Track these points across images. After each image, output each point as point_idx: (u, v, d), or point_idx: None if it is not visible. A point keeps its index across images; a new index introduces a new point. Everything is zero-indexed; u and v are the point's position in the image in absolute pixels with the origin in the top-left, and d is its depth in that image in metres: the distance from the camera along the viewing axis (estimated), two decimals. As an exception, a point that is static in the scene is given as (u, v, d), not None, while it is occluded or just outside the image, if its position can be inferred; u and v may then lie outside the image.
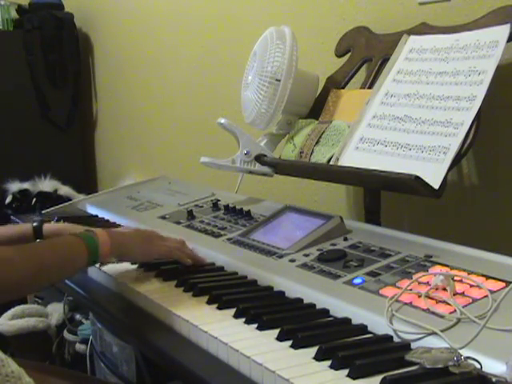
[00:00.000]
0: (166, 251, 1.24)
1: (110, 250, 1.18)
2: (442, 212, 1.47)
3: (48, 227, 1.39)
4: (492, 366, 0.73)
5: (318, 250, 1.15)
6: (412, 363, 0.76)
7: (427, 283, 0.93)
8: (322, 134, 1.46)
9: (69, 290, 1.36)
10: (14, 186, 2.84)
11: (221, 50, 2.27)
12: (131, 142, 3.01)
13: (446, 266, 0.98)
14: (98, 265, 1.21)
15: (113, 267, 1.25)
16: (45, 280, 1.15)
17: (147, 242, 1.25)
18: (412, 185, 1.15)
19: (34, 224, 1.37)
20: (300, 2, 1.87)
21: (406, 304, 0.90)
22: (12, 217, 1.87)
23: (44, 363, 1.28)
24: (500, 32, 1.23)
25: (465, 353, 0.76)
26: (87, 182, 3.34)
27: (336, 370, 0.78)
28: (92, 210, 1.87)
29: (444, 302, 0.88)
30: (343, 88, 1.53)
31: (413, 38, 1.41)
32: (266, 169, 1.53)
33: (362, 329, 0.90)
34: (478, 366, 0.74)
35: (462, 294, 0.89)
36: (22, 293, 1.23)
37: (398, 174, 1.17)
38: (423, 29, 1.41)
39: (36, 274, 1.09)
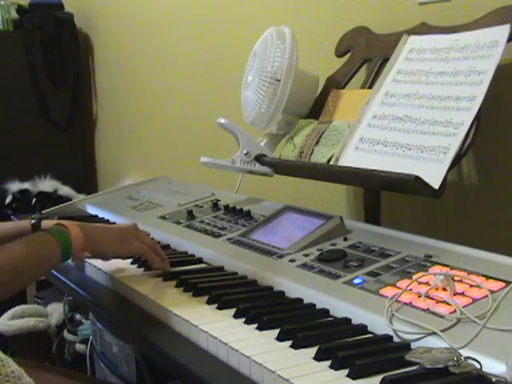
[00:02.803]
0: (140, 250, 1.21)
1: (84, 245, 1.14)
2: (442, 212, 1.47)
3: (47, 224, 1.32)
4: (492, 366, 0.73)
5: (318, 250, 1.15)
6: (412, 363, 0.76)
7: (427, 283, 0.93)
8: (322, 134, 1.46)
9: (69, 290, 1.36)
10: (14, 186, 2.84)
11: (221, 49, 2.27)
12: (131, 142, 3.01)
13: (446, 265, 0.98)
14: (70, 261, 1.17)
15: (112, 265, 1.25)
16: (20, 283, 1.12)
17: (122, 238, 1.21)
18: (412, 185, 1.15)
19: (33, 221, 1.33)
20: (300, 2, 1.87)
21: (405, 304, 0.90)
22: (12, 217, 1.87)
23: (44, 363, 1.27)
24: (500, 32, 1.23)
25: (465, 353, 0.76)
26: (87, 182, 3.34)
27: (336, 370, 0.78)
28: (92, 210, 1.87)
29: (444, 302, 0.88)
30: (343, 88, 1.53)
31: (413, 38, 1.41)
32: (266, 169, 1.53)
33: (362, 329, 0.90)
34: (478, 366, 0.74)
35: (462, 294, 0.89)
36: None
37: (398, 174, 1.17)
38: (423, 29, 1.41)
39: (12, 279, 1.06)
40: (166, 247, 1.40)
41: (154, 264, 1.21)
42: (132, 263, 1.28)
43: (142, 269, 1.25)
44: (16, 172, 2.87)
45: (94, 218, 1.78)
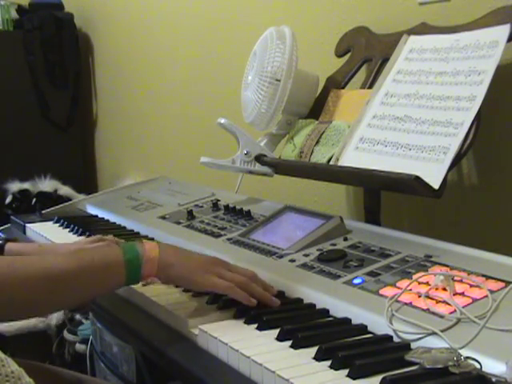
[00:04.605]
0: (225, 287, 0.99)
1: (156, 271, 0.97)
2: (442, 212, 1.47)
3: (10, 247, 1.27)
4: (492, 366, 0.73)
5: (318, 249, 1.15)
6: (412, 363, 0.76)
7: (427, 283, 0.93)
8: (322, 134, 1.46)
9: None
10: (14, 186, 2.84)
11: (221, 49, 2.27)
12: (131, 142, 3.01)
13: (446, 266, 0.98)
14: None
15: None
16: (62, 302, 0.96)
17: (205, 268, 1.00)
18: (412, 185, 1.14)
19: None
20: (300, 2, 1.87)
21: (405, 304, 0.90)
22: (12, 217, 1.87)
23: (44, 363, 1.27)
24: (500, 32, 1.23)
25: (465, 353, 0.76)
26: (87, 182, 3.34)
27: (336, 370, 0.78)
28: (92, 210, 1.87)
29: (444, 302, 0.88)
30: (343, 88, 1.53)
31: (413, 38, 1.41)
32: (266, 169, 1.53)
33: (362, 329, 0.90)
34: (478, 366, 0.74)
35: (462, 294, 0.89)
36: (30, 314, 0.97)
37: (398, 174, 1.17)
38: (423, 29, 1.41)
39: (51, 293, 0.91)
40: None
41: (246, 303, 0.98)
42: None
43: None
44: (16, 172, 2.87)
45: (94, 218, 1.78)
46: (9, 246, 1.29)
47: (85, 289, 0.95)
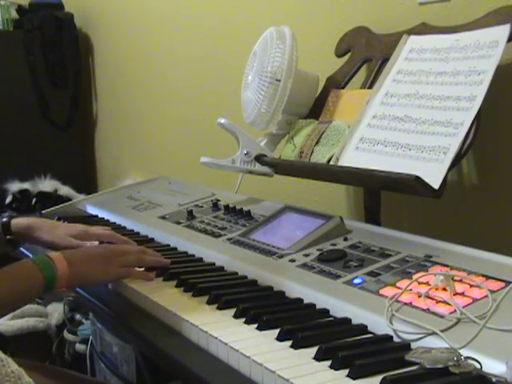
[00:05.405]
0: (125, 275, 1.17)
1: (67, 282, 1.11)
2: (442, 212, 1.47)
3: (16, 222, 1.38)
4: (492, 366, 0.73)
5: (318, 249, 1.15)
6: (412, 363, 0.77)
7: (427, 283, 0.93)
8: (322, 134, 1.46)
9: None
10: (14, 186, 2.84)
11: (221, 50, 2.27)
12: (131, 142, 3.01)
13: (446, 266, 0.98)
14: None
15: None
16: None
17: (106, 262, 1.16)
18: (412, 185, 1.15)
19: (3, 220, 1.37)
20: (300, 1, 1.87)
21: (405, 304, 0.90)
22: (12, 217, 1.87)
23: (44, 363, 1.27)
24: (500, 32, 1.23)
25: (465, 353, 0.76)
26: (87, 182, 3.34)
27: (336, 370, 0.78)
28: (92, 210, 1.87)
29: (444, 302, 0.88)
30: (343, 88, 1.53)
31: (413, 38, 1.41)
32: (266, 169, 1.53)
33: (362, 329, 0.90)
34: (478, 366, 0.74)
35: (462, 294, 0.89)
36: None
37: (398, 174, 1.17)
38: (423, 29, 1.41)
39: None
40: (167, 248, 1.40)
41: (146, 279, 1.17)
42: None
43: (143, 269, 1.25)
44: (16, 172, 2.87)
45: (94, 218, 1.78)
46: (15, 221, 1.38)
47: (9, 303, 1.07)
